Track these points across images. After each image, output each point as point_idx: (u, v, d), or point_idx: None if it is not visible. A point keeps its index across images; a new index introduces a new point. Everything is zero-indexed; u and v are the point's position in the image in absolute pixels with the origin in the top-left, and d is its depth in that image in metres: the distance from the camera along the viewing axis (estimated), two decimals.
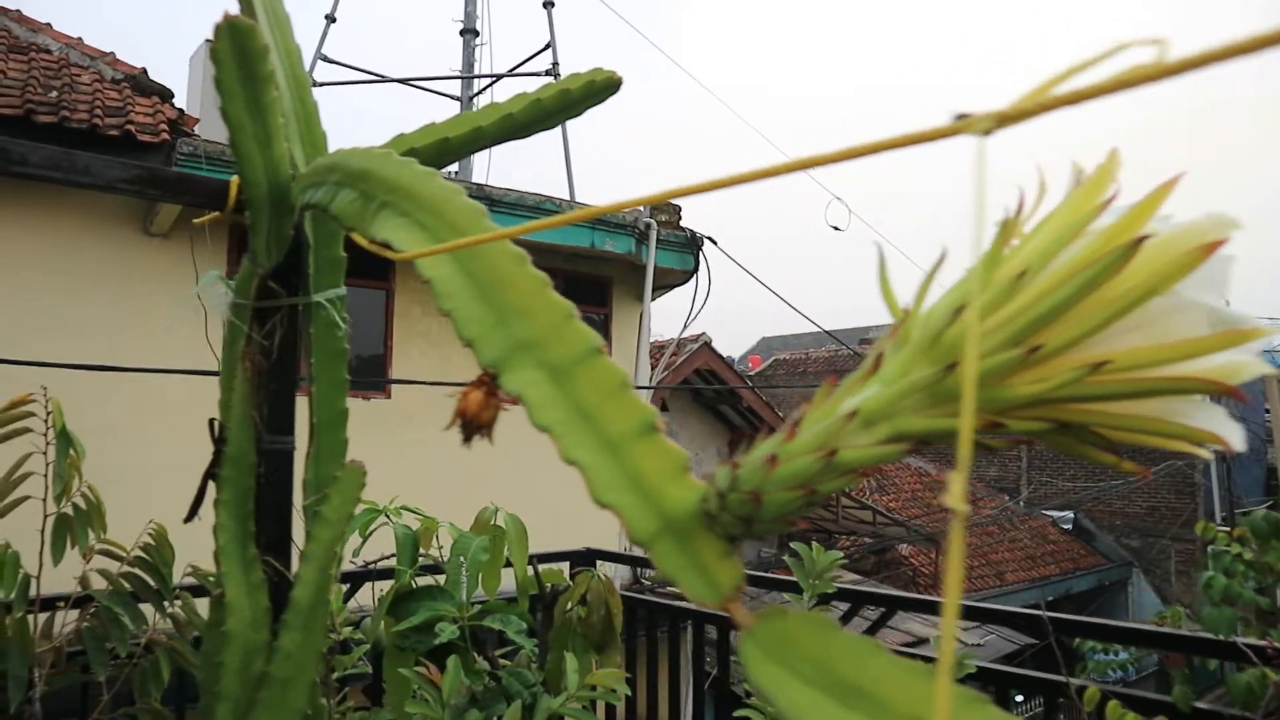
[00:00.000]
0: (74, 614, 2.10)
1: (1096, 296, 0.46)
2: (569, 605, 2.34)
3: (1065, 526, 16.71)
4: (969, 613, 2.68)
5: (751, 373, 22.57)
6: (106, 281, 5.96)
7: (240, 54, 0.81)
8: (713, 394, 11.31)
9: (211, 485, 1.05)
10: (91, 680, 2.26)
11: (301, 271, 0.97)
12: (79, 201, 5.85)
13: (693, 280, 8.53)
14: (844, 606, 2.29)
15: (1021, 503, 17.13)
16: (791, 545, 2.31)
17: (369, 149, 0.79)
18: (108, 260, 5.98)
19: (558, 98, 0.93)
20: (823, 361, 24.13)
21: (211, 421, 1.05)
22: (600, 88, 0.95)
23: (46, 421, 2.06)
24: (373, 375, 6.87)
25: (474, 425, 0.56)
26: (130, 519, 2.15)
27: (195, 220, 1.05)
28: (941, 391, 0.51)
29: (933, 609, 2.25)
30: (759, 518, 0.49)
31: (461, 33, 11.13)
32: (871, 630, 2.23)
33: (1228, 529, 1.95)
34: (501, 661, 2.18)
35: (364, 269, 6.58)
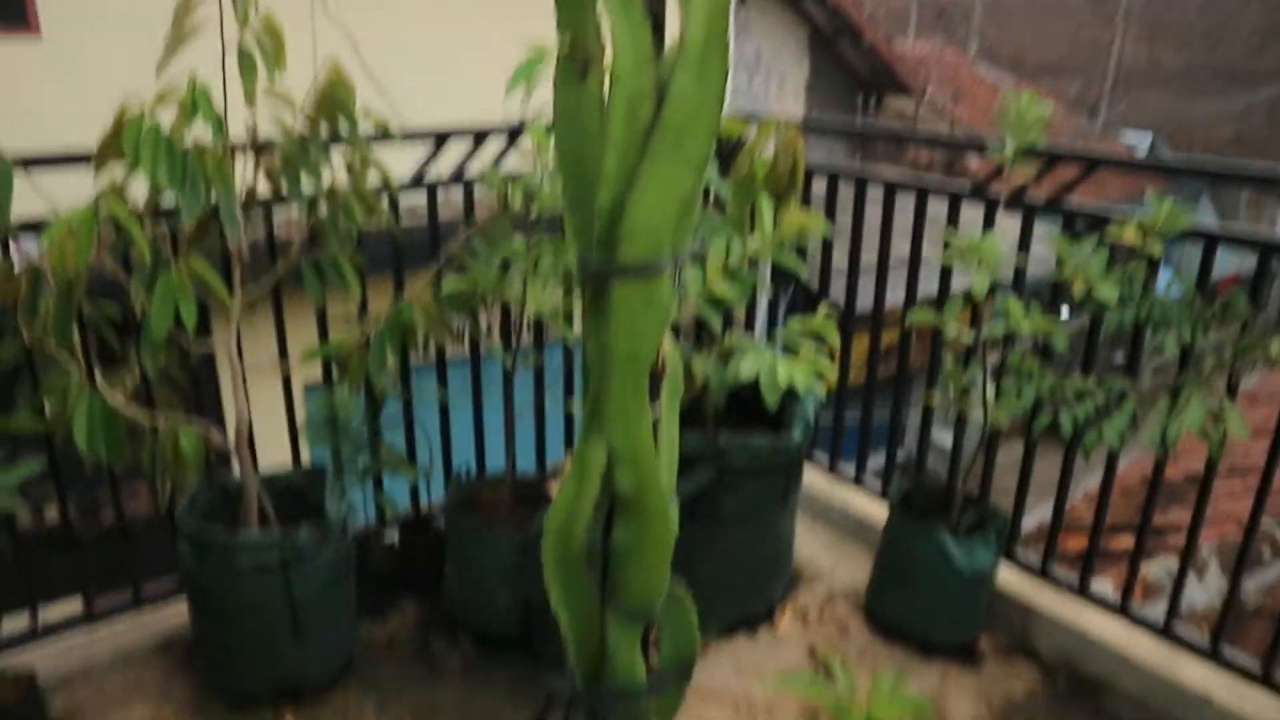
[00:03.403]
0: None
1: None
2: (752, 155, 2.30)
3: (1141, 152, 16.22)
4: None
5: None
6: None
7: None
8: None
9: None
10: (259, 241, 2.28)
11: None
12: None
13: None
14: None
15: (1100, 125, 16.46)
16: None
17: None
18: None
19: None
20: None
21: None
22: None
23: None
24: None
25: None
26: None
27: None
28: None
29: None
30: None
31: None
32: (1058, 196, 2.22)
33: None
34: None
35: None
